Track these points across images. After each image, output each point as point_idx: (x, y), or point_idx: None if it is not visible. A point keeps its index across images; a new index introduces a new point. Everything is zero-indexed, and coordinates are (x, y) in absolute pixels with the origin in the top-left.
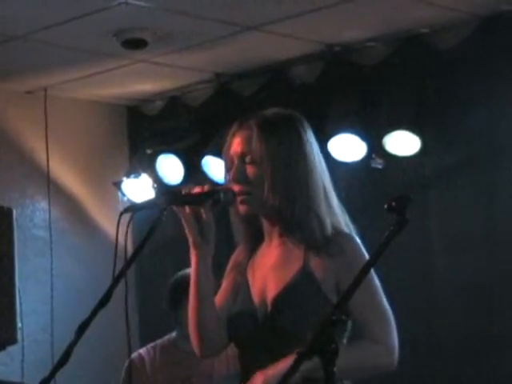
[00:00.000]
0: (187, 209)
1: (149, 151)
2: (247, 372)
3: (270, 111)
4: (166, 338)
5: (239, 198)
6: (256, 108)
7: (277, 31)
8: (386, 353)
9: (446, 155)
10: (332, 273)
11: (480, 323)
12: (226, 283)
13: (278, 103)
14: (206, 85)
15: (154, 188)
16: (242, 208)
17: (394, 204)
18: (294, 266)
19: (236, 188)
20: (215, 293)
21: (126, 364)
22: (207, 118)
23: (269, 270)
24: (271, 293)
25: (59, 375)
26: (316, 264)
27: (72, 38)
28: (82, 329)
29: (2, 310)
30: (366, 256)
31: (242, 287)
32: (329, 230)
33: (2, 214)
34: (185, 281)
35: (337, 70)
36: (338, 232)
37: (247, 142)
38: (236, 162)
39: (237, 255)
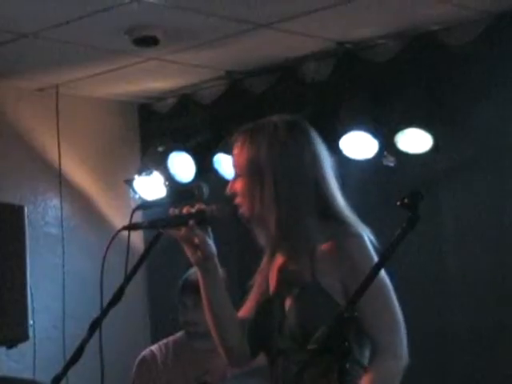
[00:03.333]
0: (182, 230)
1: (160, 149)
2: (271, 377)
3: (265, 119)
4: (179, 335)
5: (239, 212)
6: (267, 105)
7: (288, 29)
8: (396, 364)
9: (458, 152)
10: (338, 278)
11: (493, 317)
12: (253, 291)
13: (289, 101)
14: (217, 82)
15: (166, 185)
16: (244, 220)
17: (406, 200)
18: (303, 271)
19: (236, 201)
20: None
21: (138, 361)
22: (219, 116)
23: (278, 275)
24: (282, 298)
25: (70, 372)
26: (323, 269)
27: (83, 35)
28: (95, 326)
29: (13, 307)
30: (372, 257)
31: (266, 293)
32: (319, 237)
33: (13, 212)
34: (190, 280)
35: (348, 67)
36: (344, 234)
37: (236, 154)
38: (233, 174)
39: (263, 262)
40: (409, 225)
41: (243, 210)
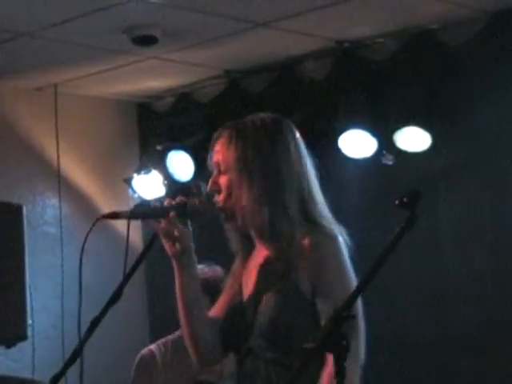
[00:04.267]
0: (161, 223)
1: (159, 147)
2: (239, 378)
3: (251, 116)
4: (177, 333)
5: (219, 208)
6: (266, 104)
7: (286, 28)
8: (355, 366)
9: (457, 151)
10: (307, 276)
11: (490, 315)
12: (224, 291)
13: (287, 99)
14: (215, 81)
15: (165, 184)
16: (223, 217)
17: (405, 200)
18: (277, 270)
19: (216, 198)
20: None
21: (137, 360)
22: (217, 115)
23: (256, 275)
24: (255, 296)
25: (70, 371)
26: (297, 268)
27: (82, 34)
28: (94, 325)
29: (12, 306)
30: (344, 260)
31: (237, 293)
32: (301, 234)
33: (12, 211)
34: None
35: (346, 66)
36: (319, 232)
37: (221, 151)
38: (215, 171)
39: (234, 264)
40: (407, 224)
41: (226, 206)
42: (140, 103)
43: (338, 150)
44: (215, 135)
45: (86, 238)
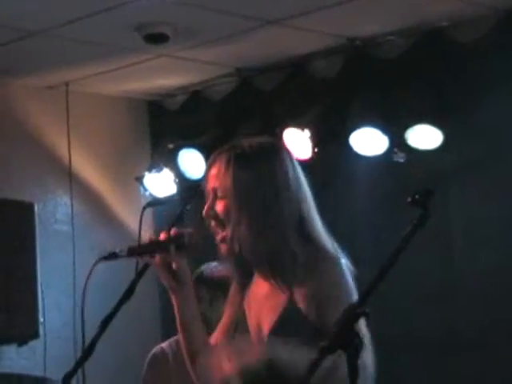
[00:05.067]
0: (157, 258)
1: (170, 146)
2: None
3: (247, 141)
4: None
5: (217, 238)
6: (277, 102)
7: (298, 25)
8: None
9: (468, 149)
10: (312, 300)
11: (501, 313)
12: (224, 317)
13: (299, 98)
14: (227, 79)
15: (176, 182)
16: (222, 249)
17: (417, 197)
18: (281, 300)
19: (210, 224)
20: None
21: (148, 358)
22: (228, 113)
23: (262, 302)
24: (264, 328)
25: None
26: (299, 294)
27: (93, 32)
28: (106, 323)
29: (24, 304)
30: (346, 282)
31: (240, 320)
32: (300, 260)
33: (23, 209)
34: (206, 275)
35: (358, 63)
36: (322, 257)
37: (218, 176)
38: (210, 196)
39: (231, 292)
40: (420, 222)
41: (223, 233)
42: (151, 101)
43: (350, 148)
44: (211, 158)
45: (86, 282)
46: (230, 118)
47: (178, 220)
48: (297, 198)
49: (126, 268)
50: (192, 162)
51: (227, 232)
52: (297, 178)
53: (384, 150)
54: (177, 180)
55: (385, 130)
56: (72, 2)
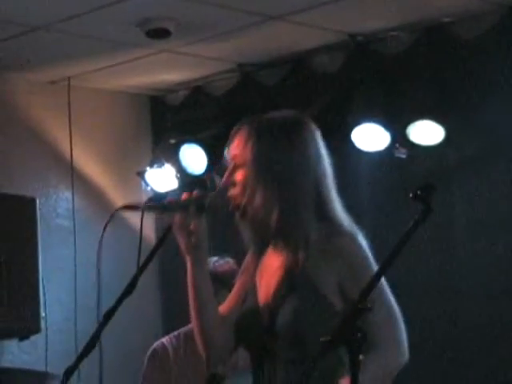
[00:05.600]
0: (176, 217)
1: (172, 141)
2: (256, 377)
3: (272, 113)
4: (190, 326)
5: (232, 203)
6: (279, 97)
7: (300, 21)
8: (397, 355)
9: (470, 144)
10: (332, 275)
11: (506, 312)
12: (236, 288)
13: (301, 93)
14: (229, 74)
15: (178, 178)
16: (238, 214)
17: (419, 193)
18: (295, 270)
19: (229, 192)
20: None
21: (149, 353)
22: (230, 108)
23: (273, 274)
24: (272, 296)
25: (83, 364)
26: (314, 266)
27: (95, 27)
28: (108, 317)
29: (26, 299)
30: (367, 255)
31: (250, 291)
32: (315, 235)
33: (25, 204)
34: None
35: (360, 59)
36: (339, 233)
37: (239, 145)
38: (230, 165)
39: (247, 260)
40: (422, 217)
41: (240, 201)
42: (153, 96)
43: (352, 144)
44: (234, 129)
45: (104, 229)
46: (231, 113)
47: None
48: (315, 173)
49: (128, 262)
50: (194, 157)
51: (244, 199)
52: (317, 154)
53: (386, 145)
54: (178, 175)
55: (386, 126)
56: None
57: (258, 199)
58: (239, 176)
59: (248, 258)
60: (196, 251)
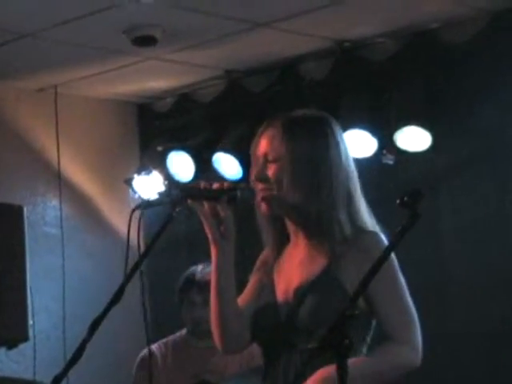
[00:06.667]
0: (205, 205)
1: (159, 148)
2: (269, 369)
3: (300, 111)
4: (178, 334)
5: (259, 197)
6: (266, 105)
7: (287, 28)
8: (411, 352)
9: (457, 150)
10: (356, 272)
11: (494, 317)
12: (252, 282)
13: (288, 100)
14: (216, 81)
15: (165, 185)
16: (262, 207)
17: (406, 199)
18: (318, 266)
19: (258, 187)
20: (240, 290)
21: (137, 361)
22: (218, 115)
23: (294, 270)
24: (294, 290)
25: (71, 372)
26: (341, 264)
27: (82, 35)
28: (95, 325)
29: (13, 307)
30: (392, 256)
31: (267, 287)
32: (348, 232)
33: (12, 212)
34: (199, 277)
35: (347, 66)
36: (363, 231)
37: (271, 141)
38: (260, 161)
39: (264, 256)
40: (409, 223)
41: (270, 195)
42: (140, 104)
43: None
44: (264, 124)
45: (128, 229)
46: (219, 120)
47: (167, 222)
48: (347, 172)
49: (115, 270)
50: (181, 164)
51: (275, 193)
52: (346, 155)
53: (373, 151)
54: (166, 182)
55: (374, 132)
56: (60, 5)
57: (296, 195)
58: (272, 170)
59: (264, 256)
60: (223, 241)
